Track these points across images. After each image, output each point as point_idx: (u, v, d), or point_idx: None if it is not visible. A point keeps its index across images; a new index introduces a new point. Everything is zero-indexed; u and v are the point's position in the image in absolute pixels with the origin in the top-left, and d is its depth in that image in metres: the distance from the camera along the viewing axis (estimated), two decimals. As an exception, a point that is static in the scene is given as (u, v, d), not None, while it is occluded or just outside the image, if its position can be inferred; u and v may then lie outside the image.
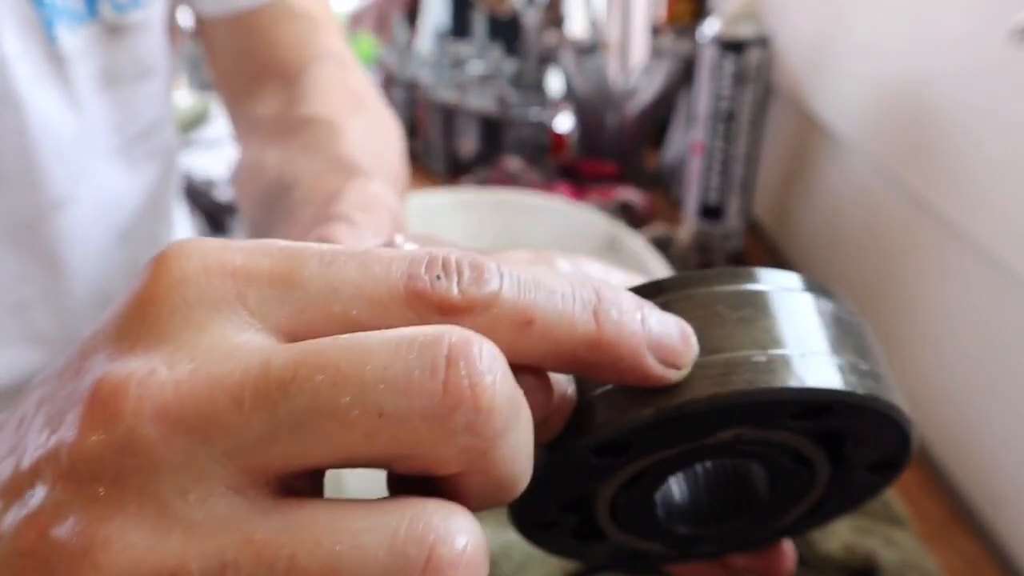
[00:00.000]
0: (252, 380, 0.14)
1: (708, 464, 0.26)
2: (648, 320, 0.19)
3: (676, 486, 0.26)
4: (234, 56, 0.53)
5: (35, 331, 0.50)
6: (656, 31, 1.19)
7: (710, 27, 0.87)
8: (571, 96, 1.19)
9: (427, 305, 0.16)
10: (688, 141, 1.03)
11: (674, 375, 0.19)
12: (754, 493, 0.25)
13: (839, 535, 0.46)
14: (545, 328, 0.17)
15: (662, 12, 1.22)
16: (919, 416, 0.71)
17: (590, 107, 1.17)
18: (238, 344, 0.15)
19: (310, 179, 0.40)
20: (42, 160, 0.45)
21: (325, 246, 0.17)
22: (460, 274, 0.16)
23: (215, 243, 0.16)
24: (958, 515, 0.62)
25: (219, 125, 1.29)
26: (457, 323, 0.16)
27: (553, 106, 1.29)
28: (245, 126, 0.52)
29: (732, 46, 0.85)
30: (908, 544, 0.48)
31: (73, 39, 0.46)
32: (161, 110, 0.56)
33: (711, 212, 0.93)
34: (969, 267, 0.63)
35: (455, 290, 0.16)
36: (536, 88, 1.28)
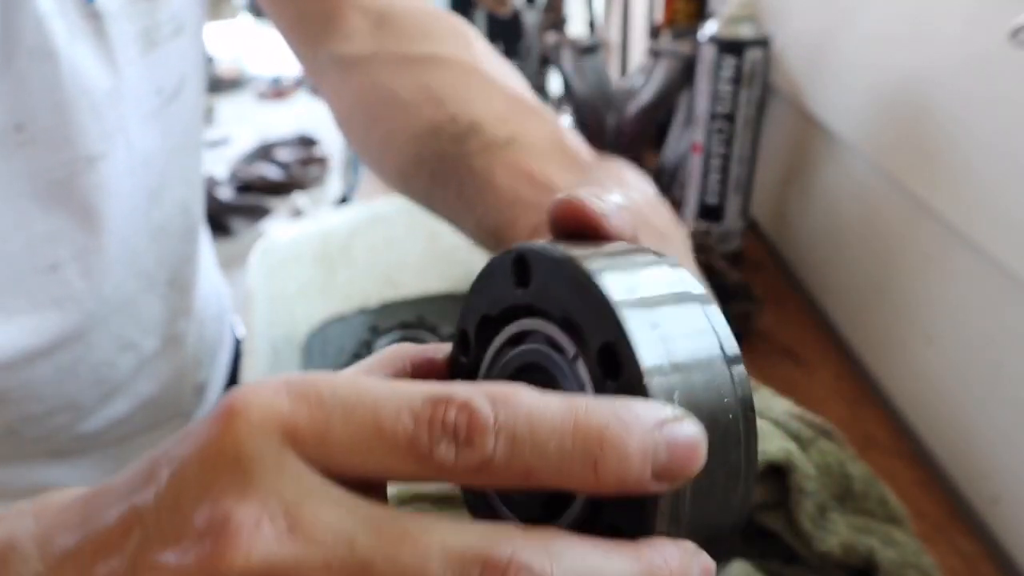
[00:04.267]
0: (340, 557, 0.18)
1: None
2: (659, 452, 0.19)
3: None
4: (302, 1, 0.54)
5: (68, 292, 0.50)
6: (656, 32, 1.19)
7: (709, 28, 0.88)
8: (571, 96, 1.19)
9: (428, 466, 0.19)
10: (687, 141, 1.03)
11: (660, 487, 0.20)
12: None
13: (837, 534, 0.47)
14: (541, 480, 0.19)
15: (661, 13, 1.22)
16: (917, 415, 0.71)
17: (590, 107, 1.17)
18: (315, 495, 0.19)
19: (497, 120, 0.43)
20: (76, 116, 0.46)
21: (351, 392, 0.20)
22: (457, 436, 0.19)
23: (267, 397, 0.20)
24: (956, 514, 0.63)
25: (222, 125, 1.29)
26: (457, 480, 0.19)
27: (553, 106, 1.30)
28: (334, 69, 0.52)
29: (731, 47, 0.85)
30: (906, 543, 0.48)
31: None
32: (190, 66, 0.56)
33: (710, 212, 0.93)
34: (966, 267, 0.64)
35: (451, 457, 0.19)
36: (536, 88, 1.29)
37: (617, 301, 0.22)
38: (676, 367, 0.21)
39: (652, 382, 0.21)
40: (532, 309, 0.25)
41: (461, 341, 0.28)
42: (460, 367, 0.28)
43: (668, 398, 0.21)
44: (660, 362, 0.21)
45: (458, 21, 0.52)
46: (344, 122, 0.53)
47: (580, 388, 0.23)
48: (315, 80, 0.55)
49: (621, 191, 0.37)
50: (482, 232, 0.42)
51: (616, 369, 0.21)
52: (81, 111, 0.46)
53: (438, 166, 0.44)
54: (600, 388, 0.22)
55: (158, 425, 0.64)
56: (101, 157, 0.48)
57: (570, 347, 0.23)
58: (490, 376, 0.27)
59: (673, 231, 0.36)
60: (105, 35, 0.47)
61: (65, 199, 0.48)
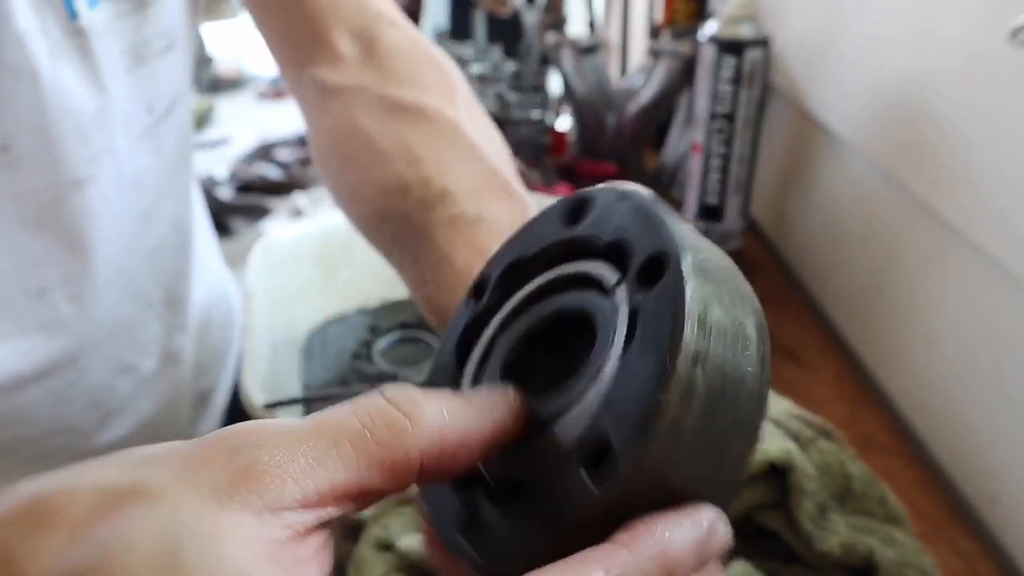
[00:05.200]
0: None
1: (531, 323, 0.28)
2: None
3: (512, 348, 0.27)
4: (288, 18, 0.52)
5: (56, 316, 0.49)
6: (656, 32, 1.19)
7: (709, 28, 0.88)
8: (571, 96, 1.19)
9: None
10: (687, 141, 1.03)
11: None
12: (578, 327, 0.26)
13: (837, 534, 0.47)
14: None
15: (661, 13, 1.22)
16: (917, 415, 0.71)
17: (590, 107, 1.17)
18: None
19: (469, 194, 0.42)
20: (61, 138, 0.45)
21: None
22: None
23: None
24: (956, 514, 0.63)
25: (222, 125, 1.29)
26: None
27: (553, 106, 1.30)
28: (316, 94, 0.50)
29: (731, 47, 0.85)
30: (906, 542, 0.49)
31: (95, 14, 0.45)
32: (182, 83, 0.55)
33: (710, 212, 0.93)
34: (966, 268, 0.64)
35: None
36: (536, 89, 1.28)
37: (671, 223, 0.23)
38: (715, 282, 0.22)
39: (691, 284, 0.21)
40: (576, 247, 0.26)
41: (477, 288, 0.29)
42: (468, 315, 0.29)
43: (703, 306, 0.21)
44: (701, 279, 0.22)
45: (447, 64, 0.51)
46: (319, 155, 0.51)
47: (615, 314, 0.24)
48: (296, 98, 0.54)
49: None
50: (430, 307, 0.41)
51: (659, 274, 0.22)
52: (66, 133, 0.45)
53: (400, 227, 0.43)
54: (637, 307, 0.23)
55: (160, 441, 0.63)
56: (88, 180, 0.47)
57: (612, 276, 0.24)
58: (513, 320, 0.28)
59: None
60: (90, 53, 0.45)
61: (52, 223, 0.47)
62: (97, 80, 0.46)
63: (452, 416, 0.21)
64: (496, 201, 0.41)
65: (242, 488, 0.18)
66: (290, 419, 0.20)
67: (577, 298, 0.26)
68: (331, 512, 0.20)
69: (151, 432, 0.61)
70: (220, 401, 0.73)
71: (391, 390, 0.21)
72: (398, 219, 0.43)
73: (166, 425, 0.63)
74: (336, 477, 0.19)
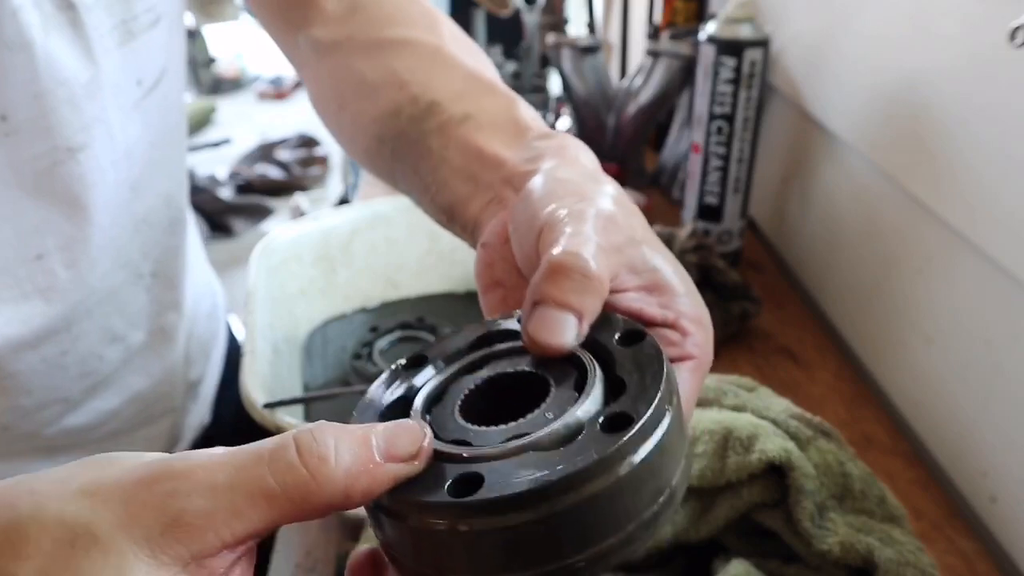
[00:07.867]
0: None
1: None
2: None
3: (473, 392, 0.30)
4: None
5: (53, 282, 0.51)
6: (655, 33, 1.19)
7: (709, 29, 0.88)
8: (571, 97, 1.19)
9: None
10: (687, 141, 1.03)
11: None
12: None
13: (836, 533, 0.47)
14: None
15: (661, 14, 1.22)
16: (915, 414, 0.71)
17: (590, 107, 1.17)
18: None
19: (455, 98, 0.44)
20: (55, 107, 0.47)
21: None
22: None
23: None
24: (954, 513, 0.63)
25: (223, 125, 1.29)
26: None
27: (553, 107, 1.30)
28: (311, 53, 0.53)
29: (730, 47, 0.85)
30: (905, 541, 0.49)
31: None
32: (168, 57, 0.57)
33: (710, 212, 0.93)
34: (965, 268, 0.64)
35: None
36: (536, 89, 1.29)
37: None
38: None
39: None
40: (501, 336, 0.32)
41: (413, 361, 0.32)
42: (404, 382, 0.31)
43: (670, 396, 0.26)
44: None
45: (428, 3, 0.53)
46: (319, 105, 0.55)
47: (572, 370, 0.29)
48: (295, 67, 0.57)
49: (561, 163, 0.38)
50: (436, 208, 0.44)
51: (638, 340, 0.28)
52: (59, 102, 0.47)
53: (397, 145, 0.46)
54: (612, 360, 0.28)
55: (149, 421, 0.64)
56: (82, 148, 0.49)
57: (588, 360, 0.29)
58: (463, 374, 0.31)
59: (607, 202, 0.35)
60: (81, 26, 0.47)
61: (49, 189, 0.49)
62: (88, 52, 0.48)
63: (359, 466, 0.24)
64: (482, 98, 0.44)
65: (172, 540, 0.22)
66: (217, 459, 0.23)
67: (516, 362, 0.30)
68: (248, 547, 0.24)
69: (140, 408, 0.62)
70: (208, 393, 0.74)
71: (305, 440, 0.24)
72: (394, 139, 0.46)
73: (156, 404, 0.64)
74: (252, 526, 0.23)
